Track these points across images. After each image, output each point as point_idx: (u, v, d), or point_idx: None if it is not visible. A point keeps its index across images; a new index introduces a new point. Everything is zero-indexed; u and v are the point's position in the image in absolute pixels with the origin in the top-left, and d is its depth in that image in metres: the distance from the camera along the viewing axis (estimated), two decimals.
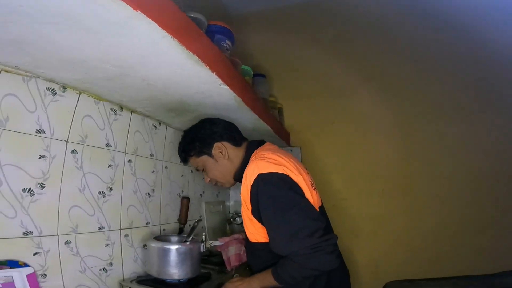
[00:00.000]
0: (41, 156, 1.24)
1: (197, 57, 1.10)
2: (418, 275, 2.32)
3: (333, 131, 2.75)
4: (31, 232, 1.18)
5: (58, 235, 1.28)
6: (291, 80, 2.95)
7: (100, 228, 1.48)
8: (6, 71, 1.14)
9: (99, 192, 1.49)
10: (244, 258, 1.85)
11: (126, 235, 1.64)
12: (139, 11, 0.80)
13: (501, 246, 2.19)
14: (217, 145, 1.62)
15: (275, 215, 1.32)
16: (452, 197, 2.37)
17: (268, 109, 2.22)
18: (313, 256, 1.24)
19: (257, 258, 1.55)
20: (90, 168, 1.45)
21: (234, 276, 1.82)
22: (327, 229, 1.34)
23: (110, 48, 1.03)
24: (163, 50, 1.04)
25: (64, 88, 1.35)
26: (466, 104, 2.41)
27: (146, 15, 0.82)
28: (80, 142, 1.41)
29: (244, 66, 1.91)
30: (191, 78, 1.29)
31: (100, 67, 1.18)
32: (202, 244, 1.72)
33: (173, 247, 1.54)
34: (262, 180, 1.35)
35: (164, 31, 0.91)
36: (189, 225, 2.09)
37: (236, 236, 1.91)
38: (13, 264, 1.10)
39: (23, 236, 1.15)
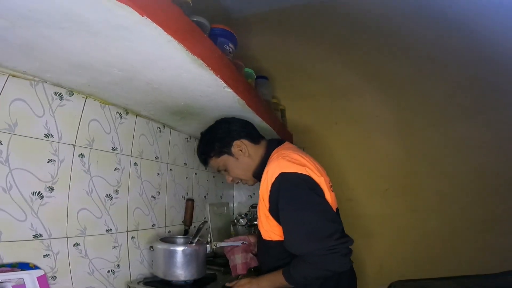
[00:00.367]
0: (50, 160, 1.26)
1: (202, 61, 1.12)
2: (423, 274, 2.31)
3: (336, 132, 2.76)
4: (41, 235, 1.20)
5: (67, 237, 1.30)
6: (294, 81, 2.96)
7: (107, 231, 1.50)
8: (14, 75, 1.17)
9: (106, 195, 1.51)
10: (252, 264, 1.82)
11: (132, 237, 1.66)
12: (146, 17, 0.82)
13: (506, 244, 2.19)
14: (236, 143, 1.61)
15: (294, 215, 1.32)
16: (456, 196, 2.38)
17: (271, 111, 2.23)
18: (328, 257, 1.24)
19: (270, 256, 1.53)
20: (97, 171, 1.48)
21: (240, 277, 1.84)
22: (343, 231, 1.32)
23: (117, 52, 1.05)
24: (168, 54, 1.06)
25: (71, 93, 1.37)
26: (469, 104, 2.42)
27: (152, 20, 0.84)
28: (87, 146, 1.43)
29: (246, 69, 1.91)
30: (196, 82, 1.31)
31: (106, 71, 1.20)
32: (208, 245, 1.73)
33: (179, 249, 1.56)
34: (284, 179, 1.34)
35: (169, 36, 0.93)
36: (194, 226, 2.12)
37: (241, 237, 1.89)
38: (24, 266, 1.12)
39: (33, 238, 1.17)
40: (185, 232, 2.04)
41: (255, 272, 1.75)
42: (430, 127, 2.52)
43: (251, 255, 1.84)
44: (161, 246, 1.58)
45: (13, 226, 1.12)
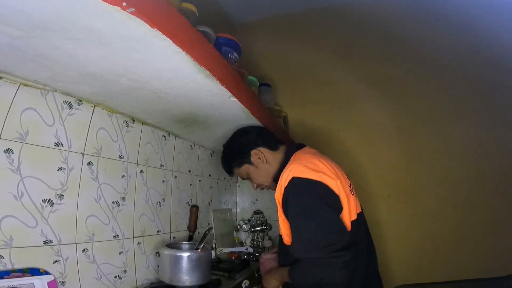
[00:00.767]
0: (60, 168, 1.29)
1: (208, 72, 1.15)
2: (426, 279, 2.32)
3: (338, 138, 2.77)
4: (51, 241, 1.22)
5: (76, 243, 1.32)
6: (296, 88, 2.98)
7: (114, 237, 1.52)
8: (25, 85, 1.19)
9: (113, 202, 1.54)
10: None
11: (138, 243, 1.68)
12: (156, 29, 0.84)
13: (509, 248, 2.19)
14: (254, 152, 1.68)
15: (297, 221, 1.36)
16: (460, 200, 2.38)
17: (274, 119, 2.25)
18: (321, 267, 1.27)
19: (289, 260, 1.52)
20: (105, 179, 1.50)
21: (244, 283, 1.86)
22: (348, 243, 1.29)
23: (127, 63, 1.08)
24: (176, 65, 1.09)
25: (80, 102, 1.40)
26: (470, 108, 2.43)
27: (162, 32, 0.87)
28: (95, 154, 1.46)
29: (250, 77, 1.93)
30: (202, 91, 1.33)
31: (116, 81, 1.23)
32: (213, 251, 1.75)
33: (185, 255, 1.58)
34: (295, 184, 1.36)
35: (178, 47, 0.95)
36: (198, 232, 2.14)
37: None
38: (35, 272, 1.14)
39: (44, 244, 1.20)
40: (190, 238, 2.07)
41: None
42: (432, 132, 2.53)
43: None
44: (167, 252, 1.60)
45: (24, 233, 1.14)
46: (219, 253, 2.18)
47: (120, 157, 1.61)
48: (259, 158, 1.67)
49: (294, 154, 1.60)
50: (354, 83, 2.80)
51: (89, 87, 1.29)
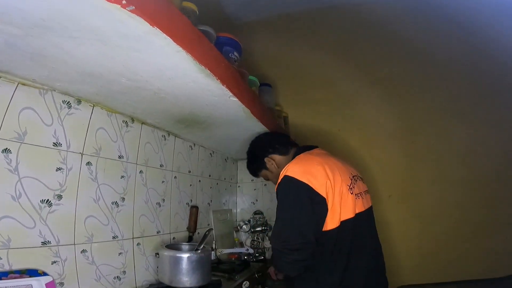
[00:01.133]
0: (58, 169, 1.28)
1: (209, 71, 1.14)
2: (428, 280, 2.32)
3: (339, 139, 2.76)
4: (49, 242, 1.21)
5: (74, 244, 1.31)
6: (297, 88, 2.97)
7: (114, 237, 1.51)
8: (23, 84, 1.19)
9: (112, 203, 1.53)
10: None
11: (138, 244, 1.67)
12: (156, 27, 0.84)
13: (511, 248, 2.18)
14: (266, 159, 1.82)
15: (277, 213, 1.48)
16: (462, 201, 2.36)
17: (274, 119, 2.25)
18: (276, 256, 1.46)
19: None
20: (104, 179, 1.49)
21: (244, 284, 1.85)
22: (307, 243, 1.39)
23: (127, 62, 1.07)
24: (177, 64, 1.08)
25: (79, 101, 1.39)
26: (471, 108, 2.42)
27: (162, 31, 0.86)
28: (94, 154, 1.44)
29: (251, 77, 1.92)
30: (202, 91, 1.33)
31: (115, 80, 1.22)
32: (213, 252, 1.74)
33: (185, 256, 1.57)
34: (284, 181, 1.47)
35: (178, 46, 0.95)
36: (198, 233, 2.13)
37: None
38: (33, 273, 1.13)
39: (42, 245, 1.19)
40: (189, 239, 2.06)
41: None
42: (433, 133, 2.51)
43: None
44: (167, 253, 1.59)
45: (22, 233, 1.13)
46: (219, 254, 2.16)
47: (119, 157, 1.59)
48: (272, 164, 1.81)
49: (299, 155, 1.66)
50: (355, 83, 2.78)
51: (89, 86, 1.28)
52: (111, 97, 1.40)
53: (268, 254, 2.66)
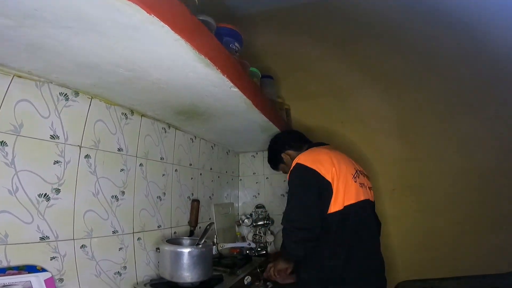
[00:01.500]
0: (56, 162, 1.25)
1: (209, 60, 1.11)
2: (430, 274, 2.30)
3: (341, 131, 2.72)
4: (47, 237, 1.19)
5: (73, 239, 1.29)
6: (299, 80, 2.93)
7: (114, 232, 1.49)
8: (19, 76, 1.16)
9: (112, 196, 1.50)
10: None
11: (138, 239, 1.64)
12: (153, 15, 0.81)
13: None
14: (283, 155, 2.07)
15: (288, 195, 1.66)
16: (465, 195, 2.33)
17: (276, 111, 2.23)
18: (284, 236, 1.63)
19: None
20: (104, 172, 1.46)
21: (246, 278, 1.83)
22: (313, 225, 1.55)
23: (124, 52, 1.04)
24: (175, 54, 1.05)
25: (76, 93, 1.36)
26: (475, 101, 2.38)
27: (159, 19, 0.84)
28: (93, 147, 1.42)
29: (252, 68, 1.91)
30: (202, 81, 1.30)
31: (113, 71, 1.19)
32: (214, 246, 1.72)
33: (186, 250, 1.54)
34: (295, 168, 1.65)
35: (176, 34, 0.92)
36: (199, 227, 2.11)
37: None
38: (31, 269, 1.11)
39: (40, 241, 1.16)
40: (191, 233, 2.03)
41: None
42: (436, 126, 2.48)
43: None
44: (167, 248, 1.56)
45: (20, 229, 1.11)
46: (221, 248, 2.14)
47: (119, 150, 1.57)
48: (288, 159, 2.03)
49: (311, 148, 1.88)
50: (357, 76, 2.75)
51: (86, 78, 1.25)
52: (109, 89, 1.37)
53: (270, 249, 2.65)
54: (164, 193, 1.89)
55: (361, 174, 1.80)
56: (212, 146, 2.56)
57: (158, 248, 1.65)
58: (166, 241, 1.64)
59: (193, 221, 2.06)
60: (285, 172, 2.03)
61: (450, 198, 2.37)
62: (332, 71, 2.82)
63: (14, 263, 1.07)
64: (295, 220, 1.57)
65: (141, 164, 1.71)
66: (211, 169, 2.51)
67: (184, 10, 0.98)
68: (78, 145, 1.35)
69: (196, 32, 1.05)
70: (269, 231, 2.71)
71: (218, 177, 2.65)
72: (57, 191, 1.24)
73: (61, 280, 1.22)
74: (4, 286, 0.99)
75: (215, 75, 1.23)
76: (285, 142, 2.08)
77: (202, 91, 1.42)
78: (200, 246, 1.59)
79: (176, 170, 2.03)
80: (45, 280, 1.10)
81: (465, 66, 2.41)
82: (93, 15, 0.82)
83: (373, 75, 2.70)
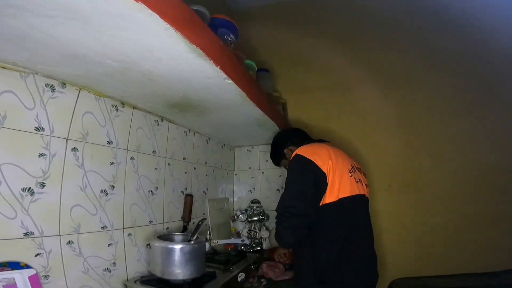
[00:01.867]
0: (41, 154, 1.20)
1: (201, 51, 1.07)
2: (426, 272, 2.29)
3: (338, 126, 2.70)
4: (32, 233, 1.15)
5: (60, 235, 1.25)
6: (296, 75, 2.90)
7: (102, 228, 1.45)
8: (3, 67, 1.12)
9: (101, 191, 1.46)
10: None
11: (129, 234, 1.60)
12: (140, 2, 0.78)
13: (510, 242, 2.15)
14: (285, 151, 2.09)
15: (286, 184, 1.65)
16: (461, 192, 2.32)
17: (272, 105, 2.20)
18: (277, 221, 1.60)
19: None
20: (92, 166, 1.42)
21: (239, 275, 1.81)
22: (305, 212, 1.55)
23: (111, 42, 1.00)
24: (166, 43, 1.01)
25: (63, 84, 1.31)
26: (474, 98, 2.35)
27: (147, 6, 0.80)
28: (80, 140, 1.37)
29: (247, 61, 1.87)
30: (195, 73, 1.26)
31: (100, 62, 1.15)
32: (207, 243, 1.68)
33: (177, 247, 1.50)
34: (294, 158, 1.67)
35: (166, 23, 0.88)
36: (193, 223, 2.07)
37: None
38: (14, 265, 1.07)
39: (24, 237, 1.12)
40: (184, 229, 1.99)
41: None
42: (434, 122, 2.46)
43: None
44: (158, 244, 1.52)
45: (3, 224, 1.07)
46: (214, 244, 2.10)
47: (108, 142, 1.52)
48: (290, 155, 1.95)
49: (311, 143, 1.86)
50: (355, 71, 2.71)
51: (73, 69, 1.21)
52: (98, 80, 1.33)
53: (265, 245, 2.62)
54: (156, 188, 1.85)
55: (358, 170, 1.81)
56: (206, 140, 2.52)
57: (148, 244, 1.62)
58: (157, 237, 1.60)
59: (186, 217, 2.02)
60: (287, 168, 2.04)
61: (448, 195, 2.36)
62: (331, 66, 2.79)
63: None
64: (290, 206, 1.57)
65: (132, 158, 1.67)
66: (205, 163, 2.47)
67: None
68: (65, 138, 1.30)
69: (187, 21, 1.00)
70: (264, 227, 2.67)
71: (213, 171, 2.61)
72: (42, 185, 1.19)
73: (46, 277, 1.18)
74: None
75: (208, 66, 1.19)
76: (288, 138, 2.11)
77: (196, 83, 1.38)
78: (192, 242, 1.56)
79: (169, 164, 1.98)
80: (29, 277, 1.07)
81: (466, 62, 2.37)
82: (76, 3, 0.78)
83: (372, 71, 2.67)
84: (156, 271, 1.52)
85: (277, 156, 2.21)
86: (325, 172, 1.59)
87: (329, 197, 1.58)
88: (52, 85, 1.27)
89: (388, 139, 2.59)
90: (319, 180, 1.59)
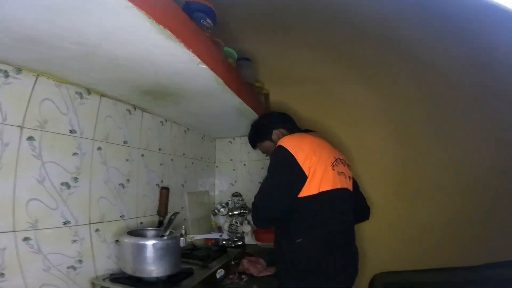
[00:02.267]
0: None
1: (170, 32, 0.99)
2: (408, 266, 2.30)
3: (322, 119, 2.65)
4: None
5: (14, 231, 1.15)
6: (279, 66, 2.82)
7: (65, 223, 1.35)
8: None
9: (62, 183, 1.36)
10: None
11: (97, 230, 1.51)
12: None
13: (497, 237, 2.14)
14: (275, 131, 1.95)
15: (267, 170, 1.65)
16: (447, 187, 2.31)
17: (253, 94, 2.13)
18: (252, 209, 1.70)
19: None
20: (51, 156, 1.31)
21: (218, 272, 1.73)
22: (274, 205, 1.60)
23: (68, 24, 0.92)
24: (129, 24, 0.93)
25: (19, 70, 1.21)
26: (465, 93, 2.31)
27: None
28: (37, 128, 1.26)
29: (227, 48, 1.81)
30: (165, 57, 1.18)
31: (57, 46, 1.05)
32: (182, 238, 1.60)
33: (149, 243, 1.42)
34: (276, 149, 1.65)
35: (126, 0, 0.79)
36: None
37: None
38: None
39: None
40: (160, 224, 1.90)
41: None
42: (421, 115, 2.44)
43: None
44: (128, 240, 1.44)
45: None
46: (190, 240, 2.01)
47: (71, 131, 1.42)
48: (278, 137, 1.88)
49: (298, 133, 1.83)
50: (340, 64, 2.65)
51: (28, 53, 1.11)
52: (58, 65, 1.23)
53: (246, 239, 2.55)
54: (128, 180, 1.76)
55: (341, 163, 1.78)
56: (185, 130, 2.43)
57: (117, 240, 1.52)
58: (128, 232, 1.51)
59: (162, 211, 1.93)
60: (265, 153, 2.07)
61: (434, 189, 2.36)
62: (315, 58, 2.70)
63: None
64: (262, 198, 1.62)
65: (99, 148, 1.57)
66: (183, 154, 2.38)
67: None
68: (19, 126, 1.19)
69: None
70: (246, 221, 2.59)
71: (192, 163, 2.52)
72: None
73: (2, 274, 1.10)
74: None
75: (179, 49, 1.10)
76: (280, 120, 2.03)
77: (168, 68, 1.30)
78: (165, 238, 1.47)
79: (142, 155, 1.89)
80: None
81: (459, 57, 2.30)
82: None
83: (357, 65, 2.60)
84: (127, 269, 1.43)
85: (261, 136, 2.03)
86: (305, 166, 1.57)
87: (309, 190, 1.57)
88: (6, 70, 1.17)
89: (373, 132, 2.56)
90: (296, 174, 1.58)
